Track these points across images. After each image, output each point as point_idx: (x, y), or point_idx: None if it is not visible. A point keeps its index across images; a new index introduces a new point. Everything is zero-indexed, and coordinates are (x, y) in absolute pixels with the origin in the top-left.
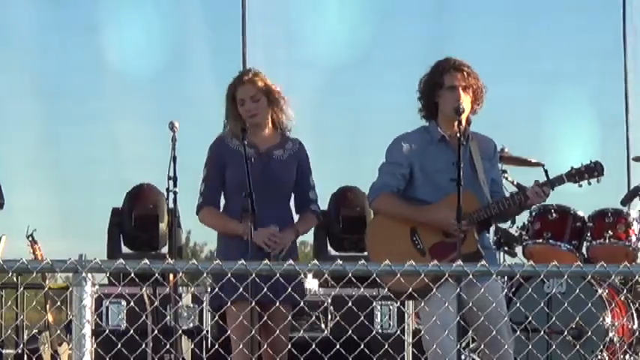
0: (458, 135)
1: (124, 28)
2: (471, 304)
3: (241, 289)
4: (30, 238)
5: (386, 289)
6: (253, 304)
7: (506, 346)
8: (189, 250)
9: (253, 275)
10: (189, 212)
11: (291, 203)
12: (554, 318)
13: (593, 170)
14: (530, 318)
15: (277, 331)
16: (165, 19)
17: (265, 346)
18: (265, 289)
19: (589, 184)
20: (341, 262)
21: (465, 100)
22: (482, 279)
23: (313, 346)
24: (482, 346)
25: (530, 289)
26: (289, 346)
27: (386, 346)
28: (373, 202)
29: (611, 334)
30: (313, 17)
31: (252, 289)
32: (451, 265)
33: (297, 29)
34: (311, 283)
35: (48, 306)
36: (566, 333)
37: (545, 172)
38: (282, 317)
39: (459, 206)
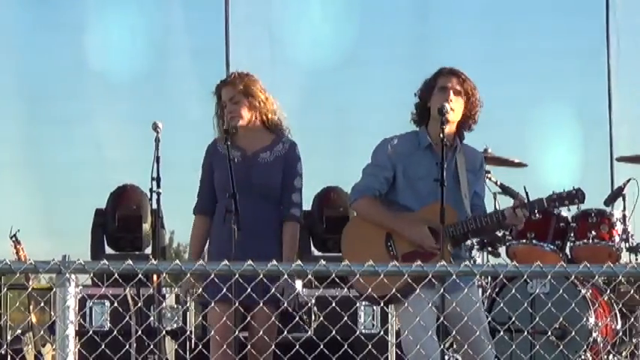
0: (441, 136)
1: (107, 29)
2: (450, 308)
3: (225, 290)
4: (13, 239)
5: (369, 290)
6: (237, 304)
7: (489, 348)
8: (172, 251)
9: (237, 276)
10: (173, 213)
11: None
12: (537, 318)
13: (573, 197)
14: (513, 318)
15: (261, 332)
16: (149, 20)
17: (249, 348)
18: (246, 291)
19: (568, 210)
20: (324, 263)
21: (456, 104)
22: (460, 285)
23: (297, 346)
24: (465, 347)
25: (513, 290)
26: (272, 347)
27: (369, 347)
28: (354, 203)
29: (594, 335)
30: (297, 18)
31: (235, 290)
32: (434, 265)
33: (281, 30)
34: (295, 284)
35: (31, 307)
36: (549, 333)
37: (526, 193)
38: (265, 319)
39: (442, 207)
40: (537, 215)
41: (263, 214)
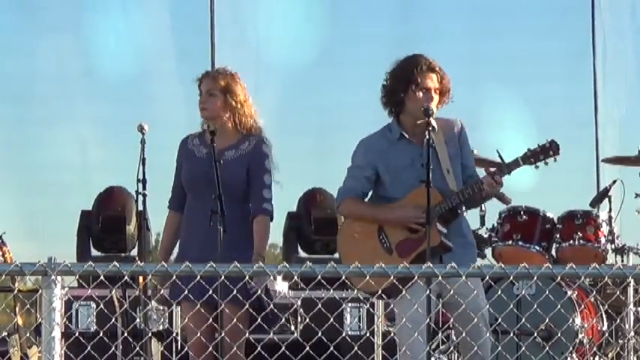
0: (427, 137)
1: (91, 31)
2: (449, 299)
3: (211, 292)
4: None
5: (355, 291)
6: (223, 305)
7: (486, 335)
8: (158, 253)
9: (222, 277)
10: (159, 215)
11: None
12: (523, 319)
13: (548, 150)
14: (499, 319)
15: (229, 333)
16: (134, 22)
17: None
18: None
19: (545, 164)
20: (310, 264)
21: (435, 102)
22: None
23: (283, 348)
24: (455, 342)
25: (499, 291)
26: (238, 348)
27: (355, 348)
28: (338, 207)
29: (580, 336)
30: (281, 19)
31: (220, 291)
32: (420, 266)
33: (265, 32)
34: (280, 286)
35: (17, 308)
36: (535, 334)
37: (500, 157)
38: (230, 318)
39: (428, 208)
40: (524, 217)
41: (229, 212)
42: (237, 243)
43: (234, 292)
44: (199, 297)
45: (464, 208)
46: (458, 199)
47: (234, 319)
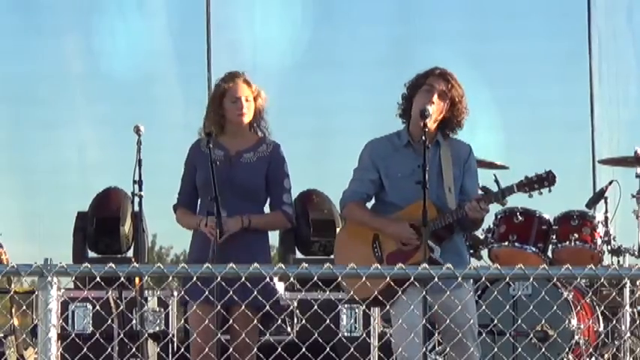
0: (423, 138)
1: (90, 34)
2: (437, 309)
3: (206, 292)
4: None
5: (351, 293)
6: (219, 307)
7: (471, 350)
8: (155, 254)
9: (218, 278)
10: (155, 216)
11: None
12: (519, 320)
13: (543, 180)
14: (495, 321)
15: (242, 335)
16: (131, 25)
17: (231, 350)
18: (226, 292)
19: (540, 193)
20: (306, 266)
21: (437, 106)
22: (450, 285)
23: (279, 349)
24: (447, 350)
25: (495, 292)
26: (254, 350)
27: (351, 350)
28: (343, 210)
29: (576, 337)
30: (277, 21)
31: (216, 291)
32: (416, 268)
33: (262, 33)
34: (277, 287)
35: (14, 310)
36: (532, 335)
37: (496, 181)
38: (244, 320)
39: (424, 209)
40: (520, 218)
41: (248, 214)
42: (256, 245)
43: (230, 293)
44: (206, 299)
45: (458, 230)
46: (451, 219)
47: (249, 322)
